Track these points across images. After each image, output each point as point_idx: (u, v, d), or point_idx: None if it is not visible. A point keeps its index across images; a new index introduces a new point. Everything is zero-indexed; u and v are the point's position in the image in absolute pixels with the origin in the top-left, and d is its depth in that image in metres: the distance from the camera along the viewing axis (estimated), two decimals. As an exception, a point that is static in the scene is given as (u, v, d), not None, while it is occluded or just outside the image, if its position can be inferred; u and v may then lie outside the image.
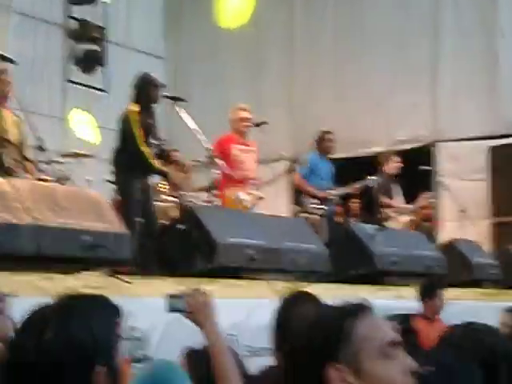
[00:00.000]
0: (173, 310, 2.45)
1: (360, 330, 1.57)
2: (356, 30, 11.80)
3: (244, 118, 7.68)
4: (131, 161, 6.46)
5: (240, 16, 11.62)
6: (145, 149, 6.42)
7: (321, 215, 8.39)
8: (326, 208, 8.48)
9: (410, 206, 9.58)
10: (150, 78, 6.85)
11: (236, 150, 7.62)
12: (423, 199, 9.97)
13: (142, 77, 6.88)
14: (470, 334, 2.14)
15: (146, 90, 6.64)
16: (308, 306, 2.72)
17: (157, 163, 6.50)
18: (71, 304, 1.69)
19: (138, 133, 6.42)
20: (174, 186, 8.47)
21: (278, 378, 1.65)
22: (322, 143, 8.75)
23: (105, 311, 1.75)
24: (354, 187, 8.81)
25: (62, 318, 1.63)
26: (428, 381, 1.58)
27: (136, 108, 6.54)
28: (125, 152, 6.51)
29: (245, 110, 7.75)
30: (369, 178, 8.86)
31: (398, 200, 9.42)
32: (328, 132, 8.82)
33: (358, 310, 1.62)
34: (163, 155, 6.84)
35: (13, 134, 6.15)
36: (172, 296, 2.45)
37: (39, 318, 1.65)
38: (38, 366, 1.57)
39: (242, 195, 7.47)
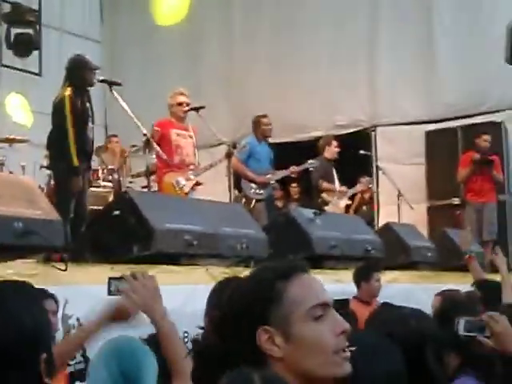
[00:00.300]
0: (114, 293, 2.33)
1: (290, 293, 1.55)
2: (293, 14, 11.79)
3: (182, 103, 7.62)
4: (60, 148, 6.34)
5: (176, 14, 11.57)
6: (71, 139, 6.26)
7: (260, 200, 8.40)
8: (264, 193, 8.50)
9: (349, 190, 9.69)
10: (84, 60, 6.70)
11: (175, 134, 7.55)
12: (362, 183, 10.09)
13: (75, 59, 6.73)
14: (395, 315, 2.16)
15: (80, 73, 6.50)
16: None
17: (76, 160, 6.29)
18: (5, 290, 1.62)
19: (70, 119, 6.28)
20: (110, 171, 8.37)
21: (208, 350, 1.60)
22: (259, 127, 8.76)
23: (38, 298, 1.69)
24: (293, 171, 8.84)
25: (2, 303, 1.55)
26: (350, 361, 1.56)
27: (69, 92, 6.40)
28: (57, 138, 6.37)
29: (183, 94, 7.69)
30: (308, 161, 8.93)
31: (336, 184, 9.50)
32: (263, 116, 8.83)
33: (291, 270, 1.59)
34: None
35: None
36: (113, 279, 2.35)
37: None
38: None
39: (181, 180, 7.42)
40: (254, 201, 8.35)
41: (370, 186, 10.59)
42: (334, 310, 1.57)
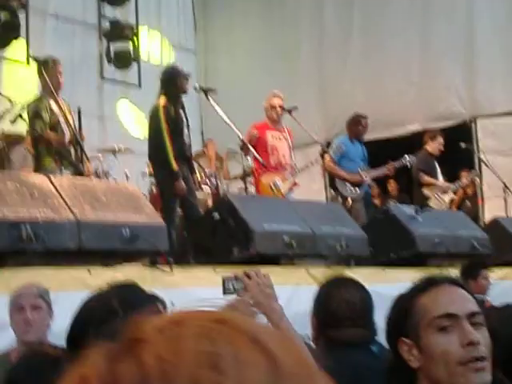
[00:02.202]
0: (229, 292, 2.34)
1: (419, 305, 1.60)
2: (386, 9, 11.69)
3: (275, 105, 7.73)
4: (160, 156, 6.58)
5: None
6: (168, 146, 6.49)
7: (356, 198, 8.35)
8: (360, 191, 8.44)
9: (453, 185, 9.44)
10: (176, 69, 7.01)
11: (270, 136, 7.68)
12: (465, 177, 9.83)
13: (168, 69, 7.06)
14: (505, 317, 2.13)
15: (173, 82, 6.74)
16: (349, 289, 2.70)
17: (174, 165, 6.51)
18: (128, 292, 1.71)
19: (165, 128, 6.51)
20: (208, 176, 8.57)
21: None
22: (354, 127, 8.69)
23: (151, 300, 1.77)
24: (389, 168, 8.70)
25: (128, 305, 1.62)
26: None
27: (163, 101, 6.65)
28: (155, 145, 6.64)
29: (277, 96, 7.80)
30: (405, 157, 8.73)
31: (440, 179, 9.31)
32: (363, 117, 8.74)
33: (431, 284, 1.63)
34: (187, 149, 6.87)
35: (70, 123, 6.33)
36: (227, 278, 2.37)
37: (102, 307, 1.66)
38: None
39: (278, 182, 7.53)
40: (350, 199, 8.32)
41: (474, 179, 10.28)
42: (466, 321, 1.57)
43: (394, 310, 1.67)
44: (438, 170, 9.33)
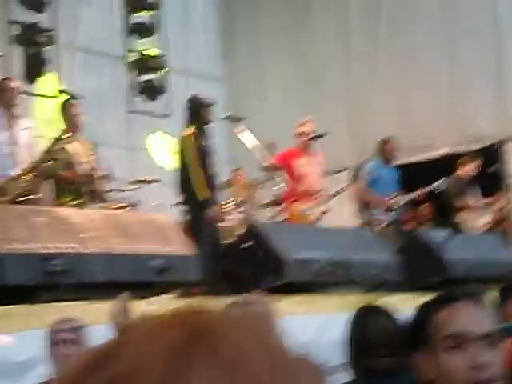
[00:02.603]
0: None
1: (436, 319, 1.57)
2: (413, 33, 11.67)
3: (305, 132, 7.73)
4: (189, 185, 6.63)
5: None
6: (197, 175, 6.54)
7: (388, 224, 8.31)
8: (392, 216, 8.39)
9: (489, 207, 9.43)
10: (200, 99, 7.07)
11: (299, 163, 7.68)
12: (499, 200, 9.77)
13: (192, 99, 7.12)
14: None
15: (198, 112, 6.84)
16: (381, 319, 2.71)
17: (204, 192, 6.55)
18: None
19: (193, 157, 6.57)
20: (238, 204, 8.57)
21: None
22: (384, 150, 8.70)
23: None
24: (420, 193, 8.67)
25: None
26: None
27: (190, 131, 6.72)
28: (185, 175, 6.68)
29: (306, 123, 7.80)
30: (437, 182, 8.71)
31: (473, 202, 9.29)
32: (387, 140, 8.75)
33: (451, 298, 1.61)
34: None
35: (85, 164, 6.40)
36: (233, 303, 2.42)
37: None
38: None
39: (308, 209, 7.50)
40: (381, 225, 8.28)
41: (506, 202, 10.21)
42: (479, 342, 1.53)
43: (416, 318, 1.66)
44: (472, 193, 9.31)
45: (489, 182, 9.89)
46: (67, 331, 3.45)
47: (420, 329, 1.60)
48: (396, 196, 8.48)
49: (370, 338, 2.62)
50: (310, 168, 7.73)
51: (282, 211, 7.63)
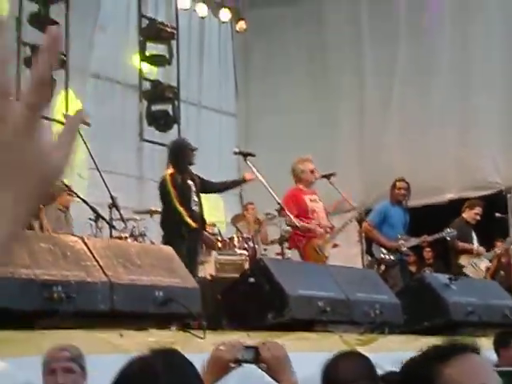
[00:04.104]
0: (244, 361, 2.39)
1: (445, 376, 1.50)
2: (426, 80, 11.76)
3: (313, 169, 7.78)
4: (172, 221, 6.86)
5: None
6: (180, 208, 6.78)
7: (392, 265, 8.30)
8: (396, 258, 8.39)
9: (490, 252, 9.48)
10: (183, 142, 7.43)
11: (308, 200, 7.71)
12: (500, 246, 9.80)
13: (176, 142, 7.56)
14: None
15: (180, 154, 7.12)
16: (355, 361, 2.75)
17: (191, 222, 6.79)
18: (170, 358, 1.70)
19: (173, 193, 6.83)
20: (246, 239, 8.58)
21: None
22: (393, 191, 8.72)
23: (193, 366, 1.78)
24: (428, 239, 8.73)
25: (173, 369, 1.63)
26: None
27: (171, 171, 7.01)
28: (167, 213, 6.94)
29: (311, 161, 7.85)
30: (446, 230, 8.76)
31: (475, 246, 9.30)
32: (398, 179, 8.78)
33: (452, 351, 1.54)
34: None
35: None
36: (246, 347, 2.42)
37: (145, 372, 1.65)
38: None
39: (323, 244, 7.56)
40: (384, 265, 8.28)
41: (508, 248, 10.24)
42: None
43: (408, 377, 1.57)
44: (475, 238, 9.36)
45: (494, 229, 9.92)
46: (62, 360, 3.41)
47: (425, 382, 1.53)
48: (402, 239, 8.48)
49: (340, 380, 2.63)
50: (316, 204, 7.76)
51: (290, 248, 7.60)
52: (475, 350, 1.55)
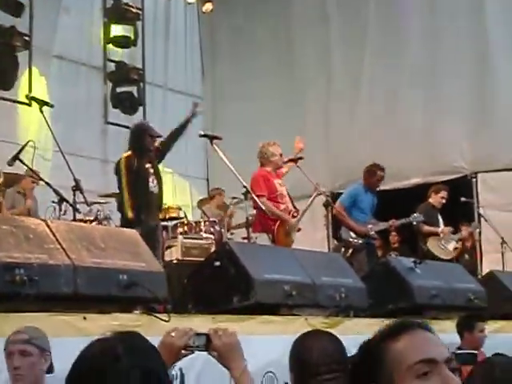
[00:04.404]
0: (195, 348, 2.38)
1: (393, 351, 1.52)
2: (394, 63, 11.79)
3: (281, 154, 7.77)
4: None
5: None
6: (126, 195, 6.84)
7: (359, 249, 8.36)
8: (364, 242, 8.45)
9: (456, 235, 9.63)
10: (144, 126, 7.32)
11: (278, 184, 7.71)
12: (465, 230, 9.93)
13: (137, 125, 7.44)
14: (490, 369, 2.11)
15: (140, 139, 7.06)
16: (323, 340, 2.74)
17: (129, 213, 6.81)
18: (133, 340, 1.67)
19: (125, 178, 6.87)
20: (212, 223, 8.56)
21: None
22: (370, 177, 8.70)
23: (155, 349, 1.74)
24: (396, 223, 8.80)
25: (134, 351, 1.60)
26: None
27: (127, 154, 7.02)
28: (120, 196, 6.99)
29: (274, 145, 7.84)
30: (413, 216, 8.84)
31: (441, 228, 9.46)
32: (380, 168, 8.77)
33: (401, 329, 1.56)
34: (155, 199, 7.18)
35: None
36: (198, 334, 2.41)
37: (103, 353, 1.61)
38: None
39: (292, 228, 7.58)
40: (352, 249, 8.33)
41: (473, 232, 10.40)
42: (445, 367, 1.51)
43: (363, 357, 1.58)
44: (441, 221, 9.49)
45: (460, 213, 10.05)
46: (19, 342, 3.39)
47: (373, 366, 1.54)
48: (370, 223, 8.54)
49: (309, 359, 2.63)
50: (283, 188, 7.77)
51: (255, 232, 7.57)
52: (423, 326, 1.57)
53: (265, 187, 7.45)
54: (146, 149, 7.08)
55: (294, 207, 7.81)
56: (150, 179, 7.05)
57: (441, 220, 9.51)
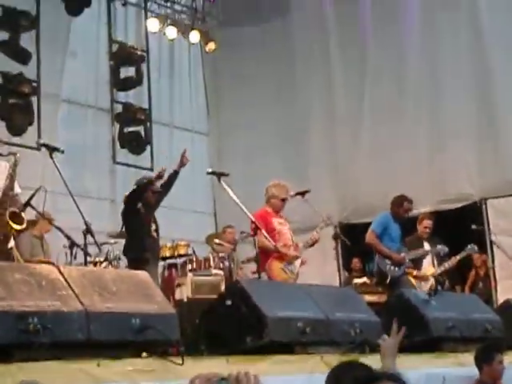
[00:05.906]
0: None
1: None
2: (397, 89, 11.84)
3: (285, 199, 7.79)
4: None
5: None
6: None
7: (396, 278, 8.23)
8: (400, 270, 8.35)
9: (434, 271, 9.23)
10: (146, 182, 7.62)
11: (276, 223, 7.73)
12: (478, 259, 9.82)
13: (143, 179, 7.78)
14: None
15: (142, 192, 7.54)
16: (358, 373, 2.70)
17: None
18: None
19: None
20: (221, 259, 8.54)
21: None
22: (397, 208, 8.63)
23: None
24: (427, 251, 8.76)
25: None
26: None
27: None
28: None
29: (287, 187, 7.84)
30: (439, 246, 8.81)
31: (425, 264, 9.13)
32: (407, 200, 8.72)
33: (371, 380, 1.59)
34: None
35: None
36: (222, 379, 2.35)
37: None
38: None
39: (288, 264, 7.52)
40: (389, 278, 8.23)
41: (485, 260, 10.30)
42: None
43: None
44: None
45: (470, 241, 9.94)
46: None
47: None
48: (403, 251, 8.44)
49: None
50: (284, 227, 7.77)
51: (264, 269, 7.56)
52: (391, 378, 1.59)
53: (262, 225, 7.41)
54: (148, 204, 7.55)
55: (296, 245, 7.80)
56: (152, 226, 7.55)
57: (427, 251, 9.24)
